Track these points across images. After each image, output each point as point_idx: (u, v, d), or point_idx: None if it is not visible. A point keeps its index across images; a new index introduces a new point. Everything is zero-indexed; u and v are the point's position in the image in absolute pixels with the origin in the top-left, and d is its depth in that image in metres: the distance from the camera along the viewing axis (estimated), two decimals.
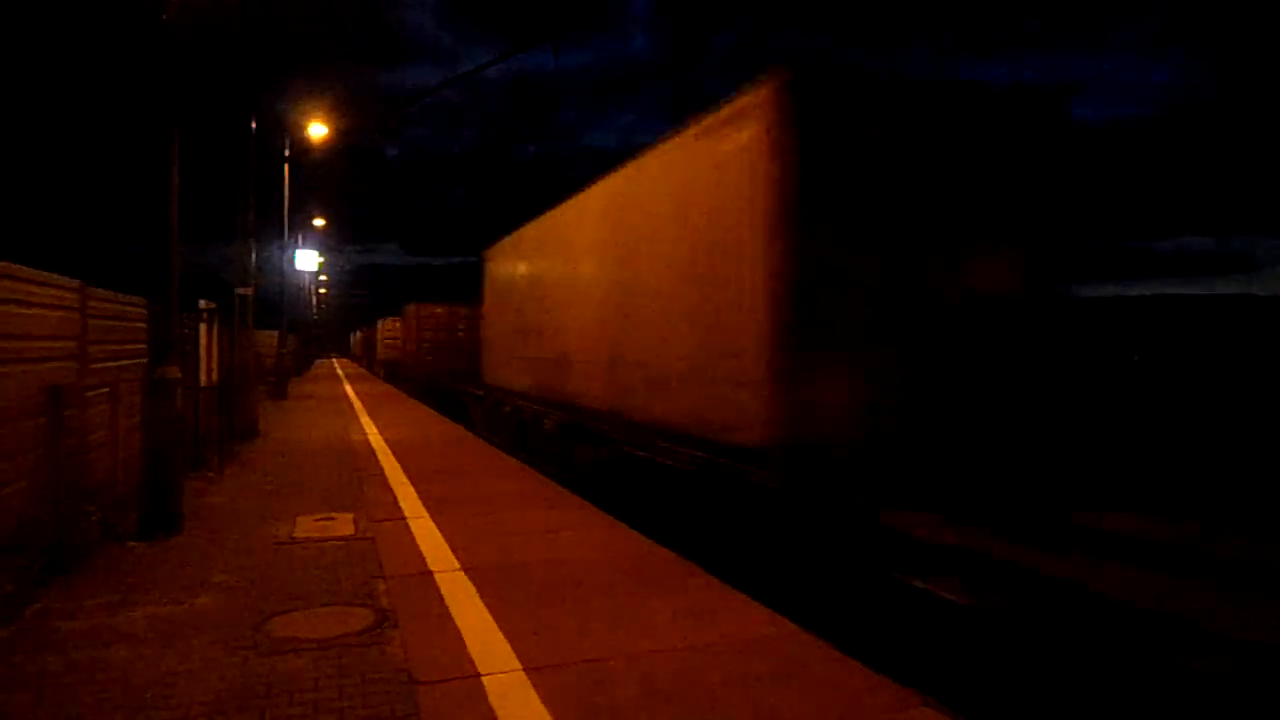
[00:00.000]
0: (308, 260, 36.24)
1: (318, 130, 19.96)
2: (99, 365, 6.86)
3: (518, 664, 4.01)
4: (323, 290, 67.73)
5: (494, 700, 3.61)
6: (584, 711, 3.52)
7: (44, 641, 4.29)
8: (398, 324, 35.79)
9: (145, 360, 6.90)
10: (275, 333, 24.13)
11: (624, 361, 9.27)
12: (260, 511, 7.57)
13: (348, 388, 28.52)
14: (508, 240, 15.06)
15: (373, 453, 11.58)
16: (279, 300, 23.57)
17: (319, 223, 40.08)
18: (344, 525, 6.99)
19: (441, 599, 5.01)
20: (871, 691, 3.73)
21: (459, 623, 4.58)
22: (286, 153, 20.47)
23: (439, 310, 29.16)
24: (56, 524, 5.57)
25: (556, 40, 12.55)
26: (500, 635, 4.39)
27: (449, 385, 25.78)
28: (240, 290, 13.38)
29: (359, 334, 71.28)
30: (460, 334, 28.44)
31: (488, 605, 4.88)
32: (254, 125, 13.46)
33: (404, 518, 7.28)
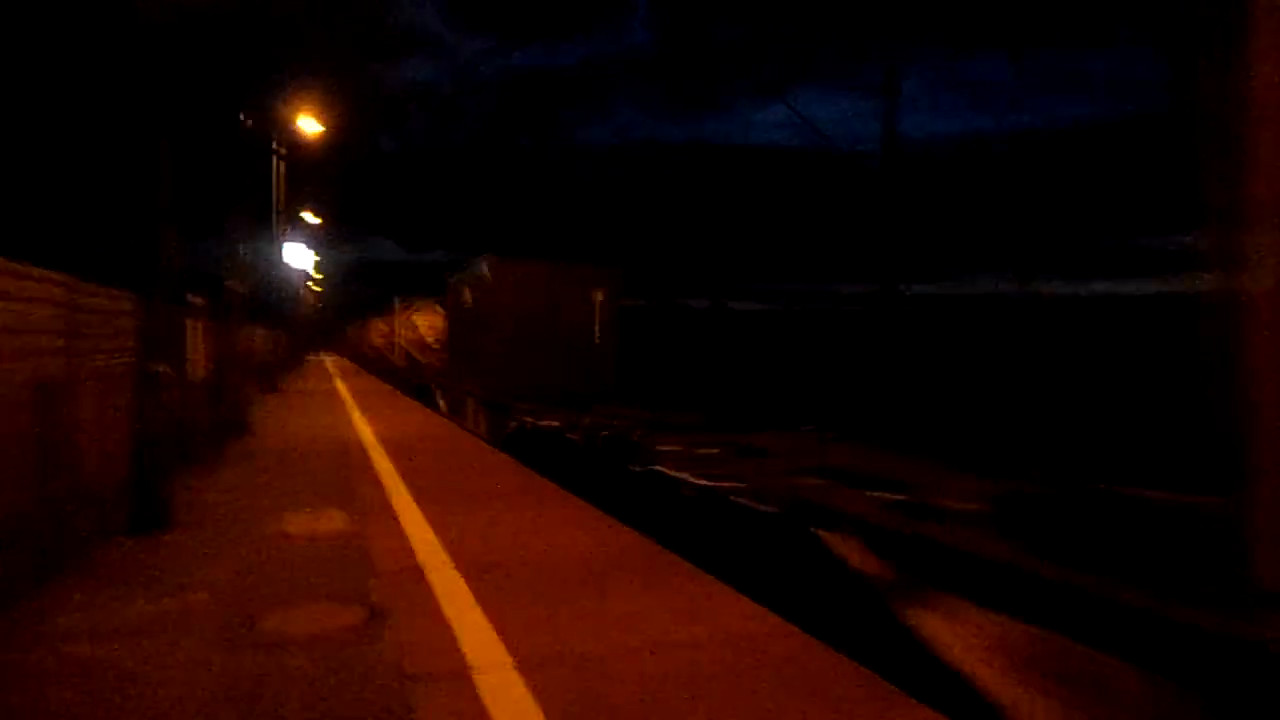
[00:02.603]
0: (299, 256, 36.06)
1: (312, 125, 19.87)
2: (88, 360, 6.81)
3: (509, 659, 4.00)
4: (316, 286, 67.06)
5: (486, 696, 3.60)
6: (576, 707, 3.52)
7: (34, 638, 4.27)
8: None
9: (135, 355, 6.86)
10: (266, 328, 24.06)
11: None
12: (251, 507, 7.54)
13: (339, 383, 28.45)
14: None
15: (363, 448, 11.55)
16: (270, 296, 23.49)
17: (312, 219, 39.90)
18: (335, 521, 6.97)
19: (433, 595, 5.00)
20: (864, 689, 3.74)
21: (451, 619, 4.58)
22: (279, 149, 20.38)
23: None
24: (46, 520, 5.54)
25: (553, 37, 12.62)
26: (492, 631, 4.38)
27: (424, 379, 26.72)
28: (230, 285, 13.33)
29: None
30: None
31: (479, 601, 4.87)
32: (247, 120, 13.40)
33: (395, 513, 7.27)
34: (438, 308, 31.32)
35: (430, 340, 35.44)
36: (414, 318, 38.11)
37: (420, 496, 8.03)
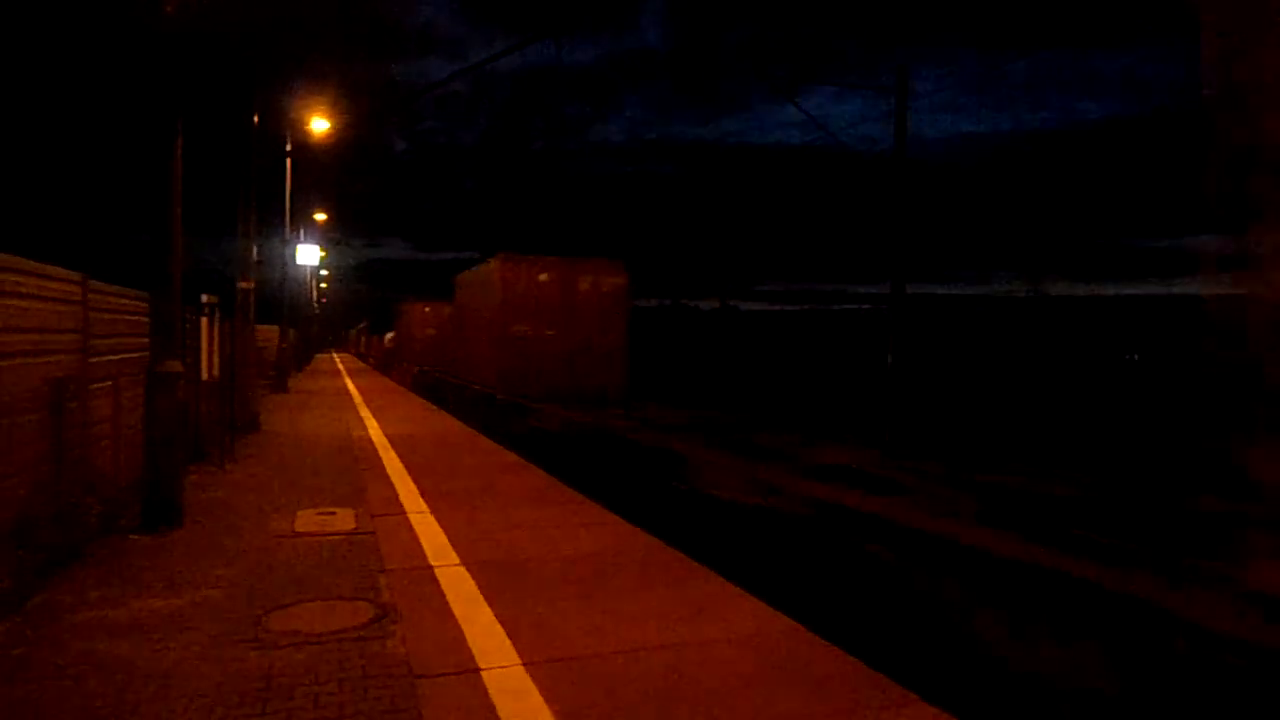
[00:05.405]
0: (309, 255, 36.15)
1: (322, 124, 19.94)
2: (101, 358, 6.87)
3: (517, 658, 4.02)
4: (324, 284, 67.25)
5: (494, 694, 3.62)
6: (583, 706, 3.54)
7: (46, 634, 4.31)
8: None
9: (147, 353, 6.91)
10: (276, 327, 24.17)
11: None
12: (261, 505, 7.59)
13: (348, 382, 28.56)
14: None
15: (373, 447, 11.60)
16: (280, 294, 23.59)
17: (321, 217, 40.02)
18: (345, 519, 7.01)
19: (442, 593, 5.03)
20: (870, 688, 3.75)
21: (459, 617, 4.60)
22: (289, 147, 20.46)
23: None
24: (59, 517, 5.59)
25: (559, 36, 12.56)
26: (500, 630, 4.41)
27: (437, 377, 26.96)
28: (242, 284, 13.39)
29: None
30: None
31: (488, 600, 4.90)
32: (256, 119, 13.45)
33: (404, 512, 7.30)
34: (447, 308, 31.54)
35: (440, 340, 35.64)
36: (425, 317, 38.26)
37: (430, 495, 8.06)
